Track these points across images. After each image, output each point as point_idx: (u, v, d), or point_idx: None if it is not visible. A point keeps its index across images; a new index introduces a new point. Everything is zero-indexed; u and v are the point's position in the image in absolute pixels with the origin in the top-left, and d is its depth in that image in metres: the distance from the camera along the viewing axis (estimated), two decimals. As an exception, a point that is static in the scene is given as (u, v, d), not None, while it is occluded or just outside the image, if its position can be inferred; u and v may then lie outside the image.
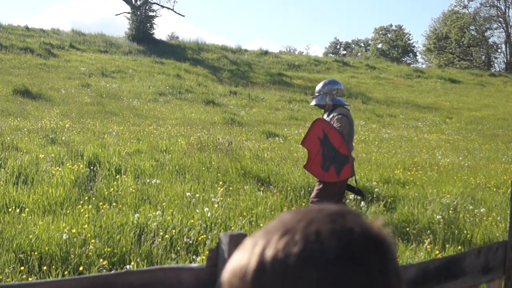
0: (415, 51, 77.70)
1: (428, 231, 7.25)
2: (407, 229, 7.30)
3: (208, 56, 37.41)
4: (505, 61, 66.61)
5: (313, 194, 6.77)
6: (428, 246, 6.58)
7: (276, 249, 0.87)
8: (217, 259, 2.32)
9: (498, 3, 67.46)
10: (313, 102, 7.22)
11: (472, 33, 66.96)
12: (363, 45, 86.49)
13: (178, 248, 6.10)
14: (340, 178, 6.59)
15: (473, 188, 9.87)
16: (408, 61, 72.11)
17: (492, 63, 68.09)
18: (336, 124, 6.62)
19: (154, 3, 42.76)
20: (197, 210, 7.15)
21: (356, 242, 0.87)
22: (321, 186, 6.67)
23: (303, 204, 7.95)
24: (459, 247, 6.71)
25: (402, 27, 77.63)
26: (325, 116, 6.91)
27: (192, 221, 6.76)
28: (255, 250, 0.89)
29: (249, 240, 0.93)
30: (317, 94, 7.08)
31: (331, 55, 75.01)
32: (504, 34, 67.41)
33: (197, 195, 8.01)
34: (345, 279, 0.85)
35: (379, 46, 77.60)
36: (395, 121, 22.52)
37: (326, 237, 0.87)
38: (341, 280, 0.85)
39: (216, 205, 7.47)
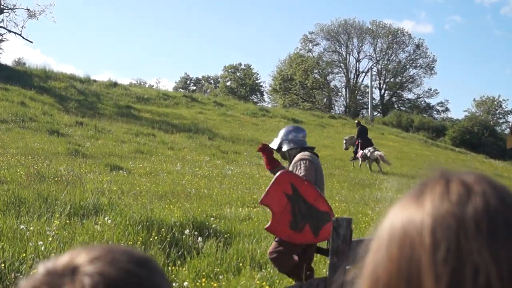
0: (262, 90, 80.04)
1: (263, 267, 7.55)
2: (241, 264, 7.56)
3: (56, 85, 36.38)
4: (345, 104, 70.59)
5: (271, 248, 6.20)
6: (258, 282, 6.84)
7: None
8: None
9: (340, 49, 71.63)
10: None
11: (316, 76, 70.36)
12: (212, 82, 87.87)
13: (8, 283, 5.96)
14: (319, 239, 5.90)
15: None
16: (255, 100, 74.16)
17: (332, 105, 71.87)
18: (300, 172, 5.96)
19: (1, 27, 41.02)
20: (31, 244, 7.01)
21: None
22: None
23: (140, 239, 7.99)
24: (291, 280, 7.04)
25: (251, 67, 79.80)
26: (290, 168, 6.20)
27: (24, 255, 6.62)
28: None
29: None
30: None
31: (181, 90, 75.47)
32: (344, 78, 71.62)
33: (32, 228, 7.83)
34: None
35: (228, 83, 79.21)
36: (239, 157, 23.00)
37: None
38: None
39: (50, 239, 7.35)
